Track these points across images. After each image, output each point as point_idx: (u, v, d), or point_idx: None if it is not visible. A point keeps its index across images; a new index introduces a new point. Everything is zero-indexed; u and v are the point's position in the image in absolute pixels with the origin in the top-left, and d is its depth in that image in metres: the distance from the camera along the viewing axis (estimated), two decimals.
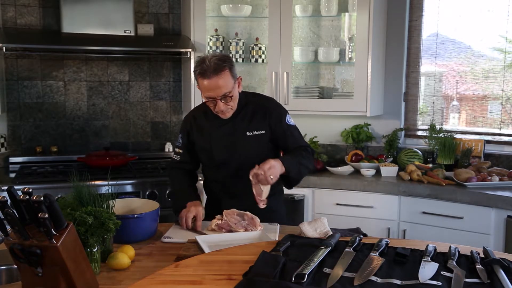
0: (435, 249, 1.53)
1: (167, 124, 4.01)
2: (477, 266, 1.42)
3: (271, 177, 2.01)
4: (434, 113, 3.76)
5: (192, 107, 2.55)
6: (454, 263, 1.43)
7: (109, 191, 1.82)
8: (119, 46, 3.53)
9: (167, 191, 3.27)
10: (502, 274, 1.34)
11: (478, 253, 1.51)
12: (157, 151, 3.93)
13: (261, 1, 3.77)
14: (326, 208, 3.31)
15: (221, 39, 3.71)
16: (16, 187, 1.54)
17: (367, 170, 3.39)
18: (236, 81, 2.16)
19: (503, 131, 3.48)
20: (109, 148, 3.56)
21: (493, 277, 1.34)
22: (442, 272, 1.38)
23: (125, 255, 1.66)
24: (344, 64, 3.72)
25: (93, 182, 1.90)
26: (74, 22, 3.45)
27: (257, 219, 2.03)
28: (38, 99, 3.67)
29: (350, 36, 3.58)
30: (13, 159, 3.54)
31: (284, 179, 2.19)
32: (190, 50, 3.47)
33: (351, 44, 3.57)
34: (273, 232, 1.96)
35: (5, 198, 1.29)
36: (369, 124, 3.75)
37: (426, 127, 3.68)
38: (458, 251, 1.52)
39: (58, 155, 3.65)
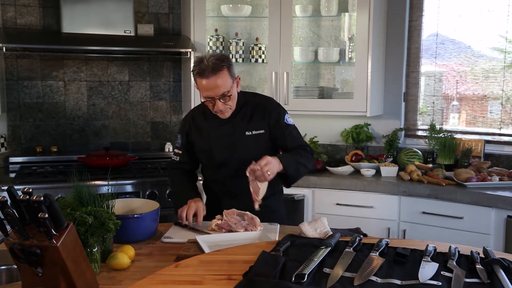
0: (435, 249, 1.53)
1: (167, 124, 4.01)
2: (477, 266, 1.42)
3: (268, 173, 2.01)
4: (434, 113, 3.76)
5: (192, 107, 2.55)
6: (454, 263, 1.43)
7: (109, 191, 1.82)
8: (119, 46, 3.53)
9: (167, 191, 3.27)
10: (502, 274, 1.34)
11: (478, 253, 1.51)
12: (157, 151, 3.94)
13: (261, 1, 3.77)
14: (326, 208, 3.31)
15: (221, 39, 3.71)
16: (16, 187, 1.54)
17: (367, 170, 3.39)
18: (235, 80, 2.16)
19: (503, 131, 3.48)
20: (109, 148, 3.56)
21: (493, 277, 1.34)
22: (442, 272, 1.38)
23: (125, 255, 1.66)
24: (344, 64, 3.72)
25: (93, 182, 1.90)
26: (74, 22, 3.45)
27: (257, 219, 2.03)
28: (38, 99, 3.67)
29: (350, 36, 3.58)
30: (13, 159, 3.54)
31: (282, 177, 2.19)
32: (190, 50, 3.47)
33: (351, 44, 3.57)
34: (273, 232, 1.96)
35: (5, 198, 1.29)
36: (369, 124, 3.75)
37: (426, 127, 3.68)
38: (458, 251, 1.52)
39: (58, 155, 3.65)
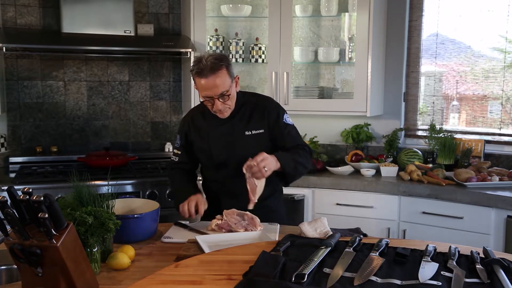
0: (435, 249, 1.53)
1: (167, 124, 4.01)
2: (477, 266, 1.42)
3: (265, 169, 2.02)
4: (434, 113, 3.76)
5: (192, 107, 2.55)
6: (454, 263, 1.43)
7: (109, 191, 1.82)
8: (119, 46, 3.53)
9: (167, 191, 3.27)
10: (502, 274, 1.34)
11: (478, 253, 1.51)
12: (157, 151, 3.94)
13: (261, 1, 3.77)
14: (326, 208, 3.31)
15: (221, 39, 3.71)
16: (16, 187, 1.54)
17: (367, 170, 3.39)
18: (234, 80, 2.16)
19: (503, 131, 3.48)
20: (109, 148, 3.56)
21: (493, 277, 1.34)
22: (442, 272, 1.38)
23: (125, 255, 1.66)
24: (344, 64, 3.72)
25: (93, 182, 1.90)
26: (74, 22, 3.45)
27: (257, 219, 2.03)
28: (38, 99, 3.67)
29: (350, 36, 3.58)
30: (13, 159, 3.54)
31: (280, 175, 2.19)
32: (190, 50, 3.47)
33: (351, 44, 3.57)
34: (273, 232, 1.96)
35: (5, 198, 1.29)
36: (369, 124, 3.75)
37: (426, 127, 3.68)
38: (458, 251, 1.52)
39: (58, 155, 3.64)
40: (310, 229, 1.78)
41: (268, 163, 2.04)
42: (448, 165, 3.37)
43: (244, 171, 2.04)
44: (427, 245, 1.54)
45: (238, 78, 2.22)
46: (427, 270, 1.38)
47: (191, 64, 2.14)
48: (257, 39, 3.74)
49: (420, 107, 3.78)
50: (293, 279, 1.31)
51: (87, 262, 1.44)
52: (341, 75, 3.81)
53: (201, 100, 2.17)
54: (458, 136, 3.52)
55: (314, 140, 3.71)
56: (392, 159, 3.61)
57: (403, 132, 3.78)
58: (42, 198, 1.29)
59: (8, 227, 1.34)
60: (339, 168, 3.48)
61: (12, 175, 3.28)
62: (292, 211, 3.28)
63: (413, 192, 3.12)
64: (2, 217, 1.30)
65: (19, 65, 3.60)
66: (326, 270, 1.39)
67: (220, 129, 2.25)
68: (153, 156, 3.83)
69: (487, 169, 3.20)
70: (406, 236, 3.13)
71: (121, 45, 3.53)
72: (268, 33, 3.59)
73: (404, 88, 3.76)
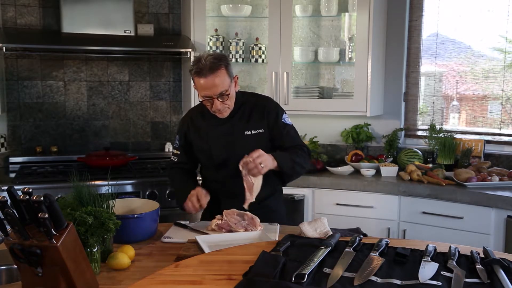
0: (435, 249, 1.53)
1: (167, 124, 4.01)
2: (477, 266, 1.42)
3: (262, 165, 2.01)
4: (434, 113, 3.76)
5: (191, 107, 2.55)
6: (454, 263, 1.43)
7: (109, 191, 1.82)
8: (119, 46, 3.53)
9: (167, 191, 3.26)
10: (502, 274, 1.34)
11: (478, 253, 1.51)
12: (157, 151, 3.93)
13: (261, 1, 3.77)
14: (326, 208, 3.31)
15: (221, 39, 3.71)
16: (16, 187, 1.54)
17: (367, 170, 3.39)
18: (233, 80, 2.16)
19: (503, 131, 3.48)
20: (109, 148, 3.56)
21: (493, 277, 1.34)
22: (442, 272, 1.38)
23: (125, 255, 1.66)
24: (344, 64, 3.72)
25: (93, 182, 1.90)
26: (74, 22, 3.45)
27: (257, 219, 2.03)
28: (38, 99, 3.67)
29: (350, 36, 3.58)
30: (13, 159, 3.54)
31: (277, 175, 2.19)
32: (190, 50, 3.47)
33: (351, 44, 3.57)
34: (273, 232, 1.96)
35: (5, 198, 1.29)
36: (369, 124, 3.75)
37: (426, 127, 3.68)
38: (458, 251, 1.52)
39: (58, 155, 3.64)
40: (310, 229, 1.78)
41: (264, 159, 2.04)
42: (448, 165, 3.37)
43: (241, 168, 2.03)
44: (427, 245, 1.54)
45: (237, 78, 2.22)
46: (427, 270, 1.38)
47: (191, 64, 2.14)
48: (257, 39, 3.74)
49: (420, 107, 3.78)
50: (293, 279, 1.31)
51: (87, 262, 1.44)
52: (341, 75, 3.81)
53: (200, 100, 2.17)
54: (458, 136, 3.52)
55: (314, 140, 3.71)
56: (392, 159, 3.61)
57: (403, 132, 3.78)
58: (42, 198, 1.29)
59: (8, 227, 1.34)
60: (339, 168, 3.48)
61: (12, 175, 3.28)
62: (292, 211, 3.28)
63: (413, 192, 3.12)
64: (2, 217, 1.30)
65: (19, 65, 3.60)
66: (326, 270, 1.39)
67: (220, 129, 2.25)
68: (153, 156, 3.83)
69: (487, 169, 3.20)
70: (406, 236, 3.13)
71: (121, 45, 3.53)
72: (268, 33, 3.59)
73: (404, 88, 3.76)
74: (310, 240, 1.67)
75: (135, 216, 1.92)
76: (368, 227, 2.91)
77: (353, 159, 3.57)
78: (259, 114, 2.26)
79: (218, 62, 2.07)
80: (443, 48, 3.68)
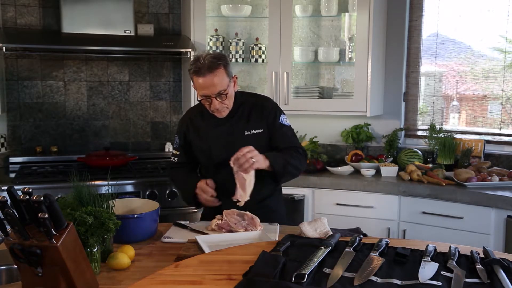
0: (435, 249, 1.53)
1: (167, 124, 4.01)
2: (477, 266, 1.42)
3: (253, 160, 2.01)
4: (434, 113, 3.76)
5: (190, 107, 2.55)
6: (454, 263, 1.43)
7: (109, 191, 1.82)
8: (119, 46, 3.53)
9: (167, 191, 3.26)
10: (502, 274, 1.34)
11: (478, 253, 1.51)
12: (157, 151, 3.94)
13: (261, 1, 3.77)
14: (326, 208, 3.31)
15: (221, 39, 3.71)
16: (16, 187, 1.54)
17: (367, 170, 3.39)
18: (232, 79, 2.16)
19: (503, 131, 3.48)
20: (109, 148, 3.56)
21: (493, 277, 1.34)
22: (442, 272, 1.38)
23: (125, 255, 1.66)
24: (344, 64, 3.72)
25: (93, 182, 1.90)
26: (74, 22, 3.45)
27: (257, 219, 2.02)
28: (38, 99, 3.67)
29: (350, 36, 3.58)
30: (13, 159, 3.54)
31: (269, 174, 2.18)
32: (190, 50, 3.47)
33: (351, 44, 3.57)
34: (273, 232, 1.96)
35: (5, 198, 1.29)
36: (369, 124, 3.75)
37: (426, 127, 3.68)
38: (458, 251, 1.52)
39: (58, 155, 3.64)
40: (310, 229, 1.78)
41: (255, 154, 2.03)
42: (448, 165, 3.37)
43: (232, 164, 2.03)
44: (427, 245, 1.54)
45: (236, 78, 2.22)
46: (427, 270, 1.38)
47: (189, 63, 2.14)
48: (257, 39, 3.74)
49: (420, 107, 3.78)
50: (293, 279, 1.31)
51: (87, 262, 1.44)
52: (341, 75, 3.81)
53: (199, 99, 2.16)
54: (458, 136, 3.52)
55: (314, 140, 3.71)
56: (392, 159, 3.61)
57: (403, 132, 3.78)
58: (42, 198, 1.29)
59: (8, 227, 1.34)
60: (339, 168, 3.48)
61: (12, 175, 3.28)
62: (292, 211, 3.28)
63: (413, 192, 3.12)
64: (2, 217, 1.30)
65: (19, 65, 3.60)
66: (326, 270, 1.39)
67: (219, 129, 2.25)
68: (153, 156, 3.83)
69: (487, 169, 3.20)
70: (406, 236, 3.13)
71: (121, 45, 3.53)
72: (268, 33, 3.59)
73: (404, 88, 3.76)
74: (310, 240, 1.67)
75: (135, 216, 1.92)
76: (368, 227, 2.91)
77: (353, 159, 3.57)
78: (258, 114, 2.26)
79: (217, 61, 2.07)
80: (443, 48, 3.68)
